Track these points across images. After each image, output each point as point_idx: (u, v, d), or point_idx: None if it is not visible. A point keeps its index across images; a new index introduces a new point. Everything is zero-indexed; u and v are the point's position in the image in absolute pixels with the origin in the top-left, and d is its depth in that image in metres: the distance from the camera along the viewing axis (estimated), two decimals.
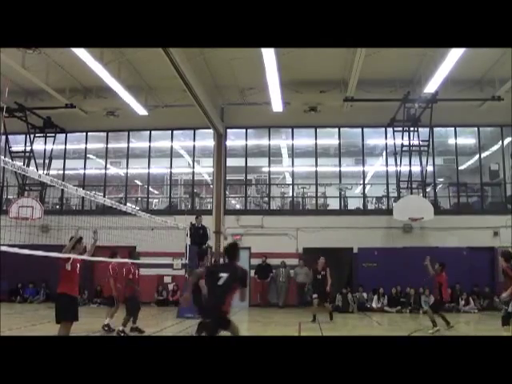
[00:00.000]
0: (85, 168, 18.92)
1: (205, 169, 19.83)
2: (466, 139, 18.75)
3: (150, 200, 19.21)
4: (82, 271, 7.63)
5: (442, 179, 19.10)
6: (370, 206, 18.19)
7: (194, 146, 18.63)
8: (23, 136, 17.90)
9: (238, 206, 19.39)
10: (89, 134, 18.99)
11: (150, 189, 19.34)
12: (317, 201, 18.16)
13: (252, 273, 16.09)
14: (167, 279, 17.12)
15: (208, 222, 16.56)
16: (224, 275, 5.56)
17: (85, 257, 7.81)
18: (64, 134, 18.75)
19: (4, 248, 5.93)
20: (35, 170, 15.72)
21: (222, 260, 17.22)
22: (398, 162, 16.96)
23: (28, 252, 6.25)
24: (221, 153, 18.14)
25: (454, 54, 11.85)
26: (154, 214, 12.05)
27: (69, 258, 7.27)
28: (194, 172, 18.68)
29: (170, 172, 18.73)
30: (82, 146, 19.11)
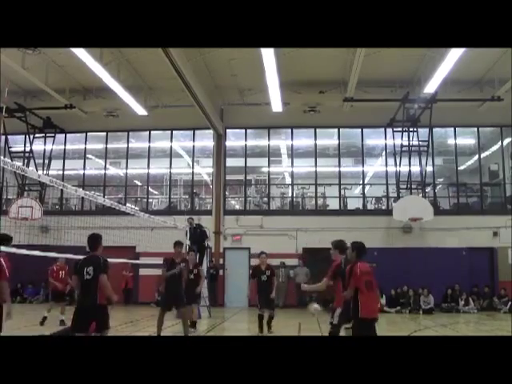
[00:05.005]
0: (84, 168, 18.94)
1: (204, 169, 19.84)
2: (466, 139, 18.75)
3: (149, 200, 19.21)
4: None
5: (441, 179, 19.12)
6: (370, 207, 18.20)
7: (193, 147, 18.64)
8: (23, 136, 17.91)
9: (237, 207, 19.37)
10: (88, 134, 19.00)
11: (150, 189, 19.35)
12: (316, 201, 18.15)
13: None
14: None
15: (208, 222, 16.58)
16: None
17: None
18: (63, 135, 18.76)
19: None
20: (35, 170, 15.70)
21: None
22: (398, 163, 16.97)
23: (27, 252, 6.25)
24: (220, 153, 18.14)
25: (454, 55, 11.85)
26: (153, 215, 12.05)
27: None
28: (193, 172, 18.68)
29: (170, 172, 18.74)
30: (82, 146, 19.14)
